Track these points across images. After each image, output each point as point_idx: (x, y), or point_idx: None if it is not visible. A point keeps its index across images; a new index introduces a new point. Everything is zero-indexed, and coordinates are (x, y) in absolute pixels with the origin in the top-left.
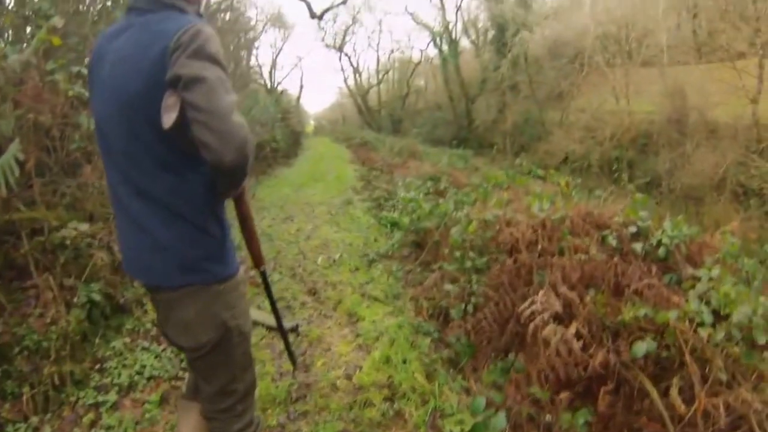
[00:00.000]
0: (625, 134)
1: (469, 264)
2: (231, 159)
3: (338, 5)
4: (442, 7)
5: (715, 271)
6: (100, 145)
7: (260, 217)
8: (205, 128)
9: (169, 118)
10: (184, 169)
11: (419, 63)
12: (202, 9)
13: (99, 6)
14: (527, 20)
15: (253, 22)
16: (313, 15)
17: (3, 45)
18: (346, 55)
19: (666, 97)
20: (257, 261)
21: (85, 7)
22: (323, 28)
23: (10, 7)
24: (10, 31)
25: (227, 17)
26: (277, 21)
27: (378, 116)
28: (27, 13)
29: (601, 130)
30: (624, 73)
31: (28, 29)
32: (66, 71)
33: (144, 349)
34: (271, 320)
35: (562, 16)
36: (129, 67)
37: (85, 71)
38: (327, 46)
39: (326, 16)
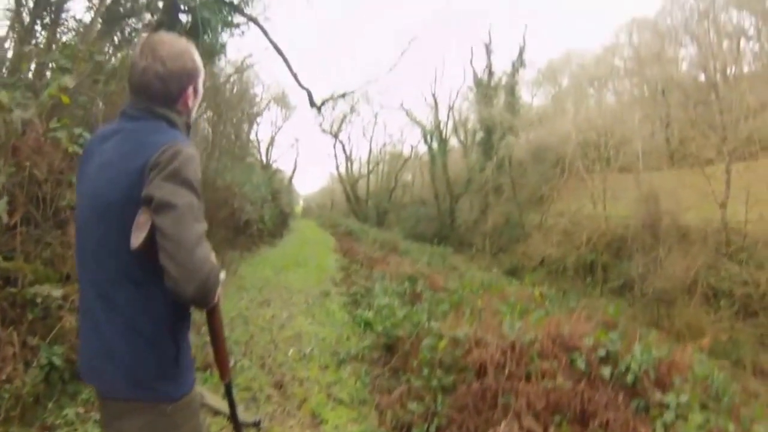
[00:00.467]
0: (600, 238)
1: (435, 382)
2: (191, 293)
3: (337, 98)
4: (435, 106)
5: (684, 397)
6: (76, 239)
7: (239, 297)
8: (170, 258)
9: (137, 238)
10: (149, 284)
11: (409, 158)
12: (193, 117)
13: (110, 67)
14: (514, 125)
15: (258, 98)
16: (312, 104)
17: (14, 93)
18: (341, 142)
19: (640, 203)
20: (223, 374)
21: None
22: (322, 114)
23: (31, 56)
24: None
25: (234, 90)
26: (281, 101)
27: (365, 206)
28: (49, 64)
29: (578, 234)
30: (602, 178)
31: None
32: (69, 130)
33: (96, 421)
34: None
35: (546, 121)
36: (110, 175)
37: (87, 134)
38: (324, 131)
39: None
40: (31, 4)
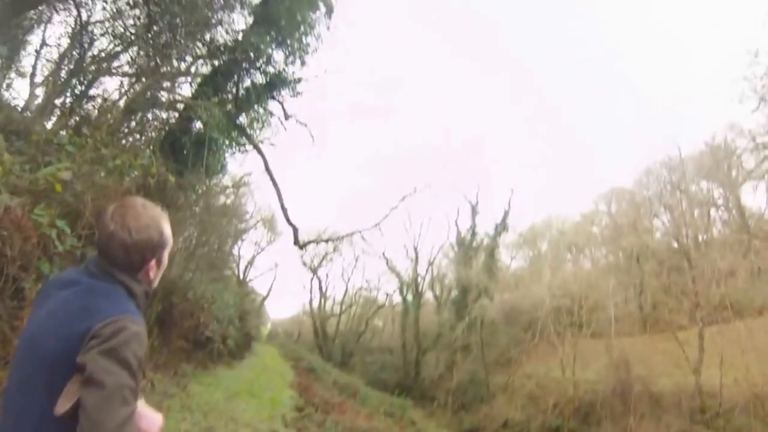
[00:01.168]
0: (568, 404)
1: None
2: None
3: (321, 242)
4: (416, 260)
5: None
6: (11, 363)
7: (181, 417)
8: None
9: (62, 406)
10: None
11: (382, 306)
12: (154, 285)
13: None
14: (490, 288)
15: (247, 216)
16: (296, 242)
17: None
18: (319, 278)
19: (611, 368)
20: None
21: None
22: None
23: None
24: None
25: (227, 202)
26: (269, 224)
27: (331, 344)
28: (54, 141)
29: (544, 398)
30: (573, 343)
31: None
32: (52, 219)
33: None
34: None
35: (521, 283)
36: (54, 328)
37: (68, 229)
38: (304, 264)
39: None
40: (71, 65)
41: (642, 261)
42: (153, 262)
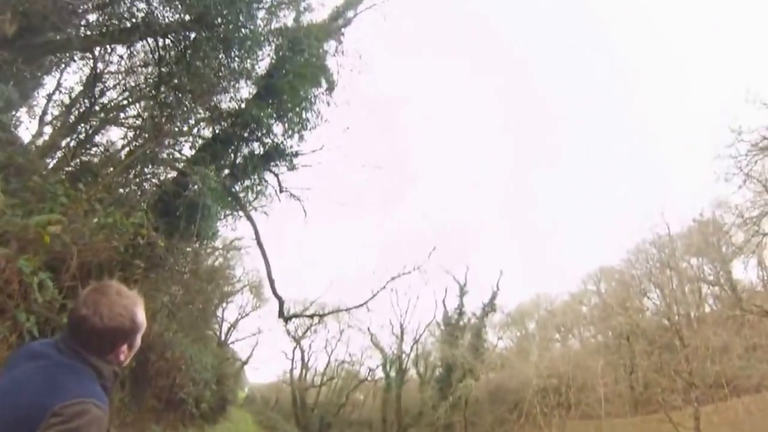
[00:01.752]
0: None
1: None
2: None
3: (306, 316)
4: (401, 337)
5: None
6: None
7: None
8: None
9: None
10: None
11: (364, 380)
12: (125, 364)
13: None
14: (475, 368)
15: (234, 280)
16: (281, 315)
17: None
18: (301, 348)
19: None
20: None
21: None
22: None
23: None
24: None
25: (216, 263)
26: (255, 290)
27: (310, 414)
28: (49, 189)
29: None
30: (561, 425)
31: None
32: (35, 266)
33: None
34: None
35: (508, 363)
36: (16, 398)
37: (50, 282)
38: (288, 333)
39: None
40: (80, 110)
41: (632, 340)
42: (124, 347)
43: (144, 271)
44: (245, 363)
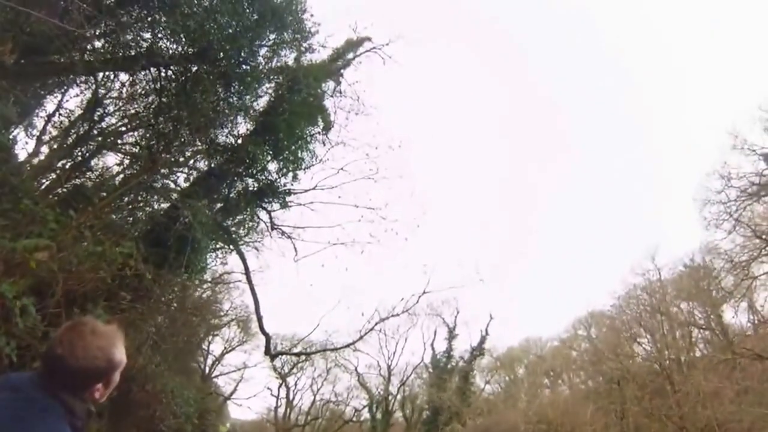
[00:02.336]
0: None
1: None
2: None
3: (292, 355)
4: (388, 378)
5: None
6: None
7: None
8: None
9: None
10: None
11: (349, 421)
12: (102, 401)
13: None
14: (462, 412)
15: (222, 313)
16: (267, 352)
17: None
18: (287, 385)
19: None
20: None
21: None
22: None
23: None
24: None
25: (204, 296)
26: (243, 325)
27: None
28: (39, 213)
29: None
30: None
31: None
32: (18, 291)
33: None
34: None
35: (495, 409)
36: None
37: (32, 308)
38: (274, 369)
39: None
40: (79, 132)
41: (623, 385)
42: (100, 385)
43: (130, 302)
44: (228, 398)
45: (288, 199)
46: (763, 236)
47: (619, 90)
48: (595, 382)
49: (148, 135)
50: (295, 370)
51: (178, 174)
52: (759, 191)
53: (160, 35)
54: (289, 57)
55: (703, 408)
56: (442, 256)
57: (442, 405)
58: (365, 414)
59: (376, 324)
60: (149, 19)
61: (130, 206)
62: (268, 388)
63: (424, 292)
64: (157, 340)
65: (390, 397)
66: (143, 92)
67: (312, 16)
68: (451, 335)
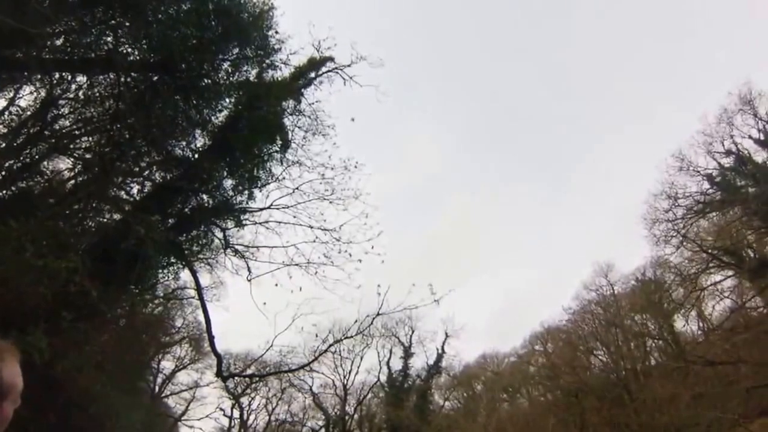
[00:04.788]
0: None
1: None
2: None
3: (242, 374)
4: (344, 398)
5: None
6: None
7: None
8: None
9: None
10: None
11: None
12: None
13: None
14: (421, 429)
15: (173, 330)
16: (219, 374)
17: None
18: (240, 406)
19: None
20: None
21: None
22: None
23: None
24: None
25: (154, 312)
26: (195, 342)
27: None
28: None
29: None
30: None
31: None
32: None
33: None
34: None
35: (455, 424)
36: None
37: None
38: (227, 389)
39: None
40: (31, 132)
41: (582, 397)
42: None
43: (72, 321)
44: (179, 419)
45: (243, 217)
46: (709, 250)
47: (571, 112)
48: (553, 395)
49: (103, 141)
50: (248, 391)
51: (132, 185)
52: (704, 209)
53: (122, 40)
54: (251, 73)
55: (661, 414)
56: (396, 277)
57: (401, 423)
58: None
59: (330, 346)
60: (112, 22)
61: (79, 215)
62: (221, 409)
63: (378, 314)
64: (102, 359)
65: (347, 417)
66: (100, 97)
67: (277, 33)
68: (407, 354)
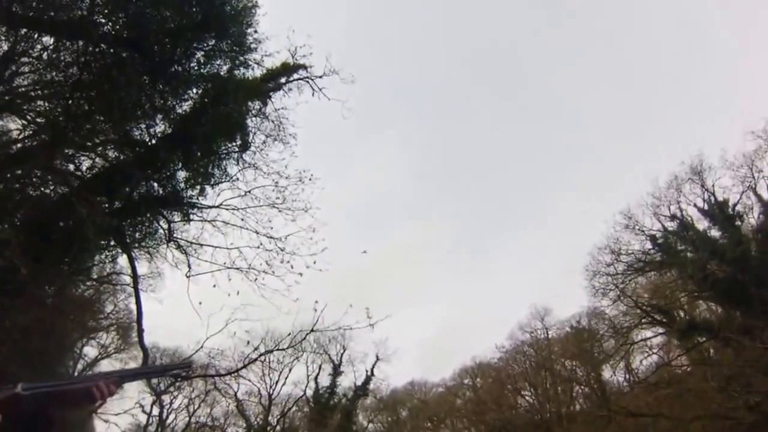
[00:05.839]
0: None
1: None
2: None
3: (170, 375)
4: (268, 408)
5: None
6: None
7: None
8: None
9: None
10: None
11: None
12: None
13: None
14: None
15: (102, 315)
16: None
17: None
18: (161, 403)
19: None
20: None
21: None
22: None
23: None
24: None
25: (85, 294)
26: (123, 331)
27: None
28: None
29: None
30: None
31: None
32: None
33: None
34: None
35: None
36: None
37: None
38: (150, 385)
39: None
40: None
41: None
42: None
43: None
44: (95, 411)
45: (191, 212)
46: (644, 307)
47: (529, 154)
48: (477, 430)
49: (59, 109)
50: (172, 389)
51: (83, 159)
52: (644, 267)
53: (98, 9)
54: (222, 67)
55: None
56: (335, 293)
57: None
58: None
59: (261, 355)
60: None
61: (21, 182)
62: (140, 405)
63: (313, 330)
64: (21, 338)
65: (269, 428)
66: (65, 63)
67: (256, 32)
68: (336, 372)
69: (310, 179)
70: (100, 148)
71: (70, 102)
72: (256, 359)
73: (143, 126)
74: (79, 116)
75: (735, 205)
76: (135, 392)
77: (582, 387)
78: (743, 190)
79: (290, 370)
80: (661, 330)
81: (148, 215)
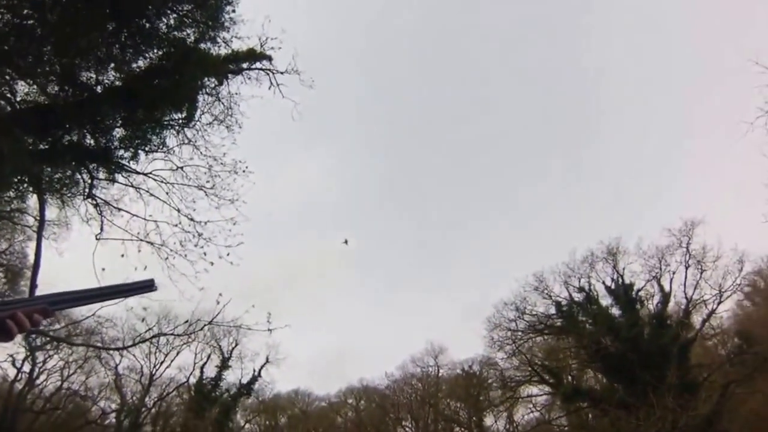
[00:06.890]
0: None
1: None
2: None
3: (47, 333)
4: (147, 389)
5: None
6: None
7: None
8: None
9: None
10: None
11: (92, 423)
12: None
13: None
14: None
15: None
16: None
17: None
18: (34, 360)
19: None
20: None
21: None
22: None
23: None
24: None
25: None
26: (12, 275)
27: None
28: None
29: None
30: None
31: None
32: None
33: None
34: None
35: None
36: None
37: None
38: (27, 339)
39: None
40: None
41: None
42: None
43: None
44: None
45: (117, 172)
46: (536, 366)
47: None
48: None
49: (7, 28)
50: (49, 347)
51: (19, 87)
52: (544, 329)
53: None
54: (190, 36)
55: None
56: (240, 289)
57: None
58: (112, 418)
59: (153, 337)
60: None
61: None
62: (11, 356)
63: (211, 323)
64: None
65: (144, 409)
66: None
67: (234, 11)
68: (224, 365)
69: (244, 171)
70: (39, 80)
71: (17, 19)
72: (148, 339)
73: (93, 71)
74: (25, 37)
75: (639, 290)
76: (10, 344)
77: (462, 429)
78: (649, 278)
79: (178, 353)
80: (548, 390)
81: (73, 164)
